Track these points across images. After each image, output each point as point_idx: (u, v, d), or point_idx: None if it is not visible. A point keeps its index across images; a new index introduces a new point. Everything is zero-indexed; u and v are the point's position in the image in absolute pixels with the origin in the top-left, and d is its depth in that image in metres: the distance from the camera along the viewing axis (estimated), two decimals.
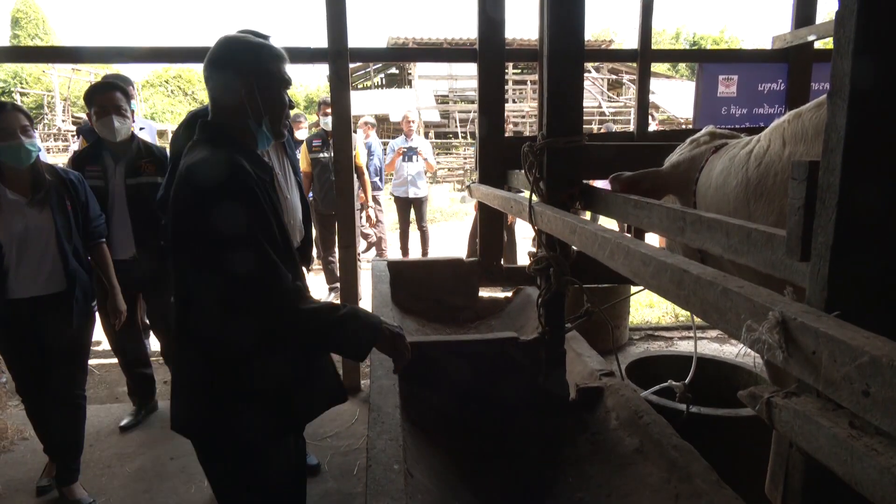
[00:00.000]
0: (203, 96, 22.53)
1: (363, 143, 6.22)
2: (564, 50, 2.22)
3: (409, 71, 22.55)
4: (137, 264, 3.15)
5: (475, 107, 3.51)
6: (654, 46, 3.90)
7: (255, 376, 1.45)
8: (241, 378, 1.45)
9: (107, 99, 3.00)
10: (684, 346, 4.74)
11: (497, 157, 3.62)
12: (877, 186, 0.82)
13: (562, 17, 2.20)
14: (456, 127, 21.19)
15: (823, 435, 0.79)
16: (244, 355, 1.44)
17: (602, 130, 7.11)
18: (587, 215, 4.98)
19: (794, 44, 3.85)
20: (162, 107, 24.69)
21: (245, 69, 1.48)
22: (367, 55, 4.49)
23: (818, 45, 3.88)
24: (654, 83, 3.57)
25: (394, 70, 24.49)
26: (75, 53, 3.83)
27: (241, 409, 1.46)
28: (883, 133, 0.82)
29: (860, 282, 0.84)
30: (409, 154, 6.91)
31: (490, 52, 3.56)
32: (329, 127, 5.03)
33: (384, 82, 25.33)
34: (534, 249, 2.55)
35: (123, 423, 3.47)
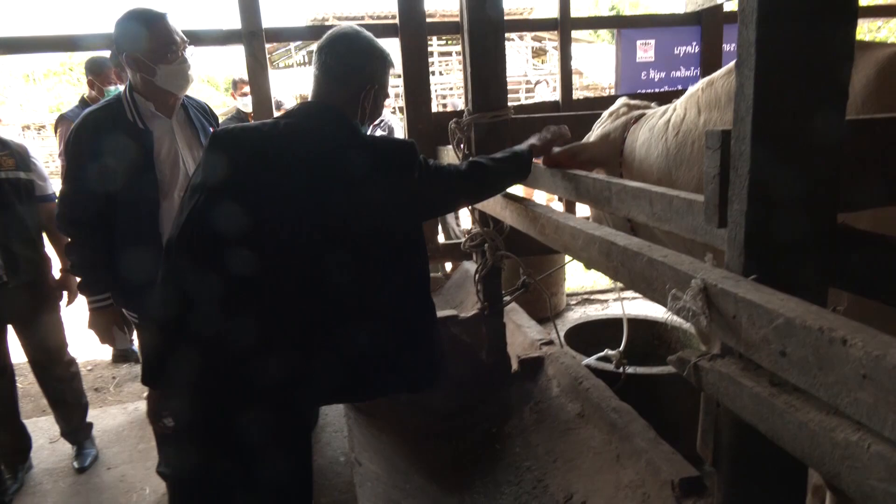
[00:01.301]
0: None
1: None
2: (485, 23, 2.21)
3: None
4: (3, 287, 2.63)
5: (401, 81, 3.44)
6: (573, 13, 3.92)
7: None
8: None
9: None
10: (619, 308, 4.90)
11: (425, 134, 3.58)
12: (786, 153, 0.85)
13: None
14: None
15: (746, 394, 0.83)
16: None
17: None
18: None
19: (705, 6, 3.96)
20: (68, 97, 23.15)
21: (370, 79, 1.54)
22: (284, 35, 4.32)
23: (728, 7, 4.01)
24: (576, 48, 3.63)
25: (316, 46, 23.76)
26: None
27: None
28: (790, 100, 0.85)
29: (775, 246, 0.87)
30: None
31: (411, 26, 3.50)
32: (248, 108, 4.81)
33: (306, 59, 24.60)
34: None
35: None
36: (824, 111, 0.86)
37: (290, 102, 5.77)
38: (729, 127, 0.94)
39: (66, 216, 2.11)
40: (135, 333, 2.48)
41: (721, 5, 3.92)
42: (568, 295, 5.13)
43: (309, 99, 1.56)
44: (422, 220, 1.65)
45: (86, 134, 2.05)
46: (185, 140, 2.18)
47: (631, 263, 1.12)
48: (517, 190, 2.16)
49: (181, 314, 1.43)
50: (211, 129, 2.25)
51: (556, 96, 3.96)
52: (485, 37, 2.24)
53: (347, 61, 1.52)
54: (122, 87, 3.18)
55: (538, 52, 23.31)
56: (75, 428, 3.08)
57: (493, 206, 2.04)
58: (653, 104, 1.91)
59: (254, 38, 3.43)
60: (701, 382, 0.92)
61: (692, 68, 4.11)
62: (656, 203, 1.33)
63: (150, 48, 2.01)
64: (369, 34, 1.58)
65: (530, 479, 2.02)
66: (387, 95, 1.64)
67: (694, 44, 4.07)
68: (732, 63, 1.53)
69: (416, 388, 1.66)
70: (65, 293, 2.88)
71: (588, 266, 1.36)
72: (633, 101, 1.98)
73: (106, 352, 4.47)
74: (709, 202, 0.97)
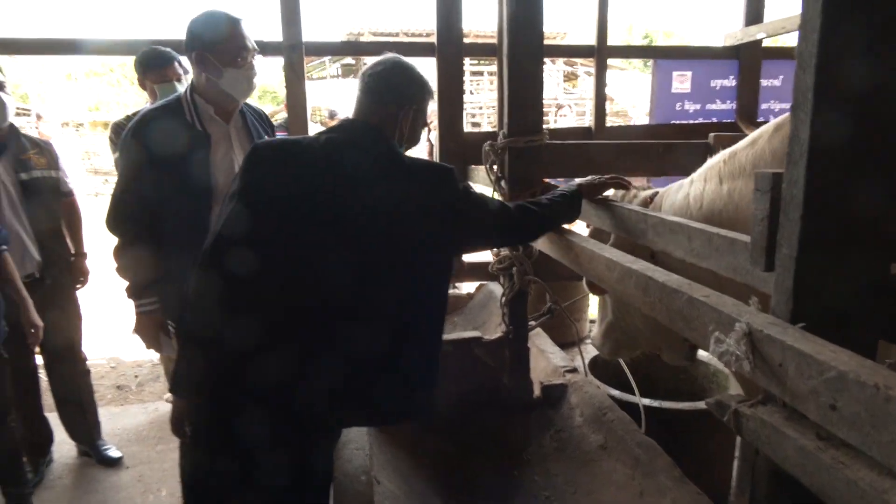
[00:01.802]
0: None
1: None
2: (524, 49, 2.22)
3: (365, 61, 22.22)
4: (39, 284, 2.67)
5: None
6: (608, 38, 3.92)
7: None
8: None
9: None
10: None
11: (457, 154, 3.60)
12: (840, 200, 0.84)
13: (520, 16, 2.19)
14: None
15: (791, 446, 0.81)
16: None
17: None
18: None
19: (744, 41, 3.94)
20: (108, 97, 23.75)
21: (410, 100, 1.58)
22: (323, 49, 4.41)
23: (767, 43, 3.98)
24: (608, 74, 3.62)
25: (350, 60, 24.11)
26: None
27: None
28: (845, 147, 0.83)
29: (825, 293, 0.85)
30: None
31: (448, 47, 3.53)
32: None
33: (340, 72, 24.94)
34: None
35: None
36: (880, 160, 0.84)
37: (343, 112, 5.75)
38: (779, 171, 0.92)
39: (117, 216, 2.06)
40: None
41: (760, 41, 3.89)
42: (591, 321, 5.07)
43: (350, 118, 1.59)
44: (453, 251, 1.64)
45: (142, 133, 2.00)
46: (242, 147, 2.15)
47: (669, 301, 1.10)
48: None
49: (211, 324, 1.44)
50: (266, 137, 2.24)
51: (580, 122, 3.95)
52: (523, 61, 2.25)
53: (388, 82, 1.56)
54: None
55: (569, 77, 23.35)
56: (88, 428, 3.08)
57: None
58: (649, 185, 1.98)
59: (293, 51, 3.49)
60: (741, 429, 0.90)
61: (728, 101, 4.08)
62: (695, 239, 1.32)
63: (222, 49, 1.98)
64: (411, 63, 1.62)
65: None
66: (425, 123, 1.67)
67: (731, 77, 4.04)
68: (755, 133, 1.53)
69: (424, 412, 1.63)
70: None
71: (625, 299, 1.35)
72: (636, 184, 2.00)
73: (127, 350, 4.53)
74: (756, 244, 0.96)
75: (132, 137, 2.03)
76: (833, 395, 0.72)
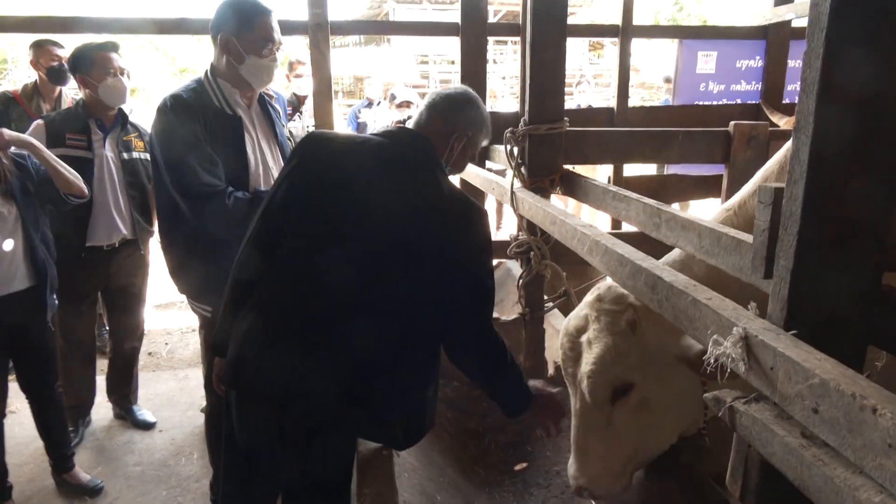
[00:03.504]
0: (174, 51, 21.78)
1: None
2: (546, 38, 2.25)
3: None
4: (118, 253, 2.91)
5: (455, 68, 3.46)
6: (634, 9, 3.85)
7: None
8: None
9: (111, 59, 2.74)
10: None
11: None
12: (836, 217, 0.90)
13: (543, 7, 2.22)
14: (436, 87, 20.85)
15: (777, 442, 0.88)
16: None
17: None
18: None
19: (772, 21, 3.88)
20: (130, 62, 23.91)
21: (467, 125, 1.65)
22: (348, 28, 4.43)
23: (796, 23, 3.91)
24: (633, 43, 3.55)
25: None
26: (72, 24, 3.66)
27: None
28: (843, 168, 0.89)
29: (818, 303, 0.92)
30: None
31: (472, 26, 3.54)
32: (302, 91, 4.81)
33: (362, 39, 24.79)
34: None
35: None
36: (874, 181, 0.89)
37: (403, 95, 5.66)
38: (780, 185, 0.98)
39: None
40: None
41: (789, 21, 3.83)
42: None
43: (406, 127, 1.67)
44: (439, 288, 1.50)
45: (178, 117, 1.95)
46: (264, 133, 2.19)
47: (675, 300, 1.17)
48: (559, 202, 2.11)
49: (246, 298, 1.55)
50: (285, 115, 2.26)
51: (603, 94, 3.92)
52: (546, 49, 2.28)
53: (453, 102, 1.65)
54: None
55: (595, 46, 22.88)
56: (129, 392, 3.30)
57: (541, 219, 2.09)
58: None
59: (319, 29, 3.53)
60: (735, 424, 0.98)
61: (753, 82, 4.05)
62: (705, 237, 1.38)
63: (248, 37, 2.00)
64: (475, 96, 1.70)
65: (559, 483, 2.09)
66: (473, 156, 1.72)
67: (757, 58, 4.00)
68: (759, 174, 1.51)
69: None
70: None
71: (634, 294, 1.42)
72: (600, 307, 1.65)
73: (158, 318, 4.71)
74: (757, 253, 1.02)
75: (168, 122, 1.96)
76: (816, 400, 0.79)
